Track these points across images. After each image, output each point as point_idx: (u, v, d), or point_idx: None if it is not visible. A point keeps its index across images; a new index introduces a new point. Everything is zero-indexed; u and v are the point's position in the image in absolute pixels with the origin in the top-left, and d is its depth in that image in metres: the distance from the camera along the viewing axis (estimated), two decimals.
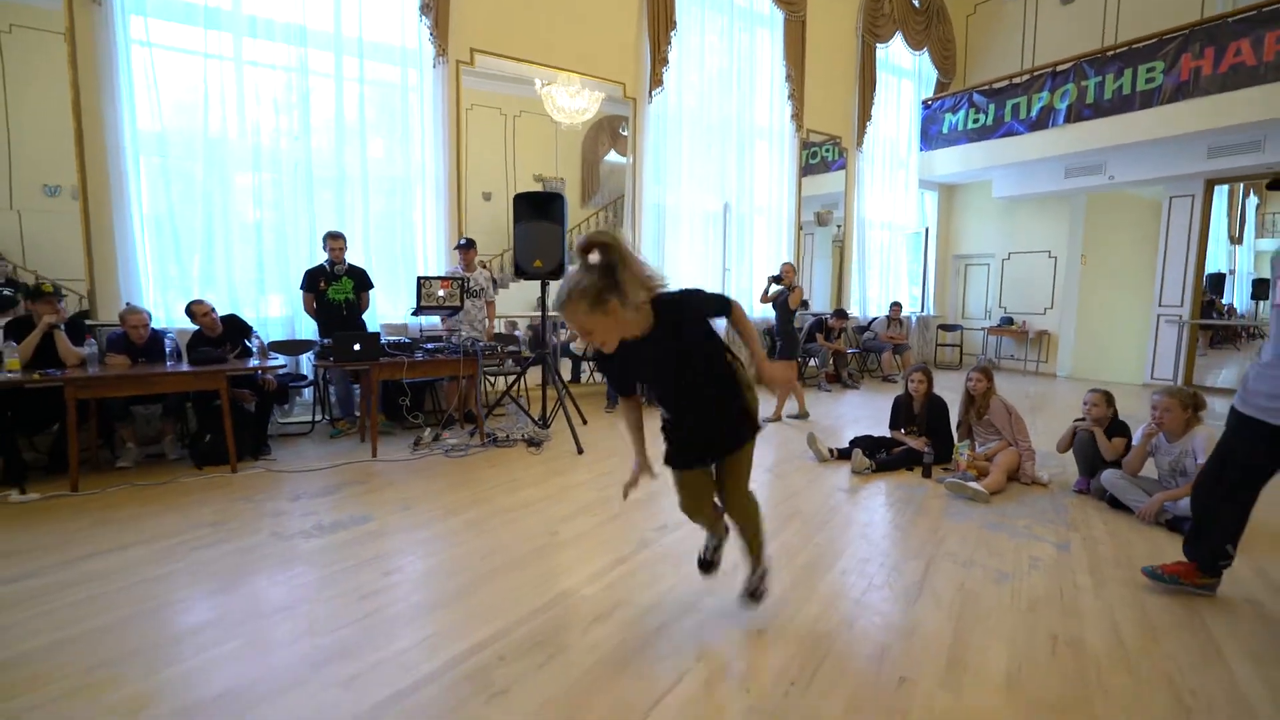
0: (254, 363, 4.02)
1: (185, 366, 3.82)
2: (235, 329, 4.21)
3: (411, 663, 1.88)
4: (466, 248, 5.03)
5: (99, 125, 4.18)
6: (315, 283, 4.66)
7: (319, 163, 4.91)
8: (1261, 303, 15.46)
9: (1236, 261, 15.23)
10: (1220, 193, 7.97)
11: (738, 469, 1.98)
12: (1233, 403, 2.25)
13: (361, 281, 4.82)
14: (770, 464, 4.20)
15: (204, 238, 4.61)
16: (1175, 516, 3.08)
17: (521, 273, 4.29)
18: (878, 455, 4.07)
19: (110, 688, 1.75)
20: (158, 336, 3.99)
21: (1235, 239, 14.12)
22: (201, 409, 4.04)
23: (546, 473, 3.91)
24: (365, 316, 4.91)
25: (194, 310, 4.02)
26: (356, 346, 3.95)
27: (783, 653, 1.96)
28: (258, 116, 4.69)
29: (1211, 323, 8.36)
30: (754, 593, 2.12)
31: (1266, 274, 15.90)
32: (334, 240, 4.63)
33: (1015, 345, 9.39)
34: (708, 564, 2.26)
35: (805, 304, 8.30)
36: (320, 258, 4.75)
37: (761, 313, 7.78)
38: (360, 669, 1.85)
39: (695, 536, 2.83)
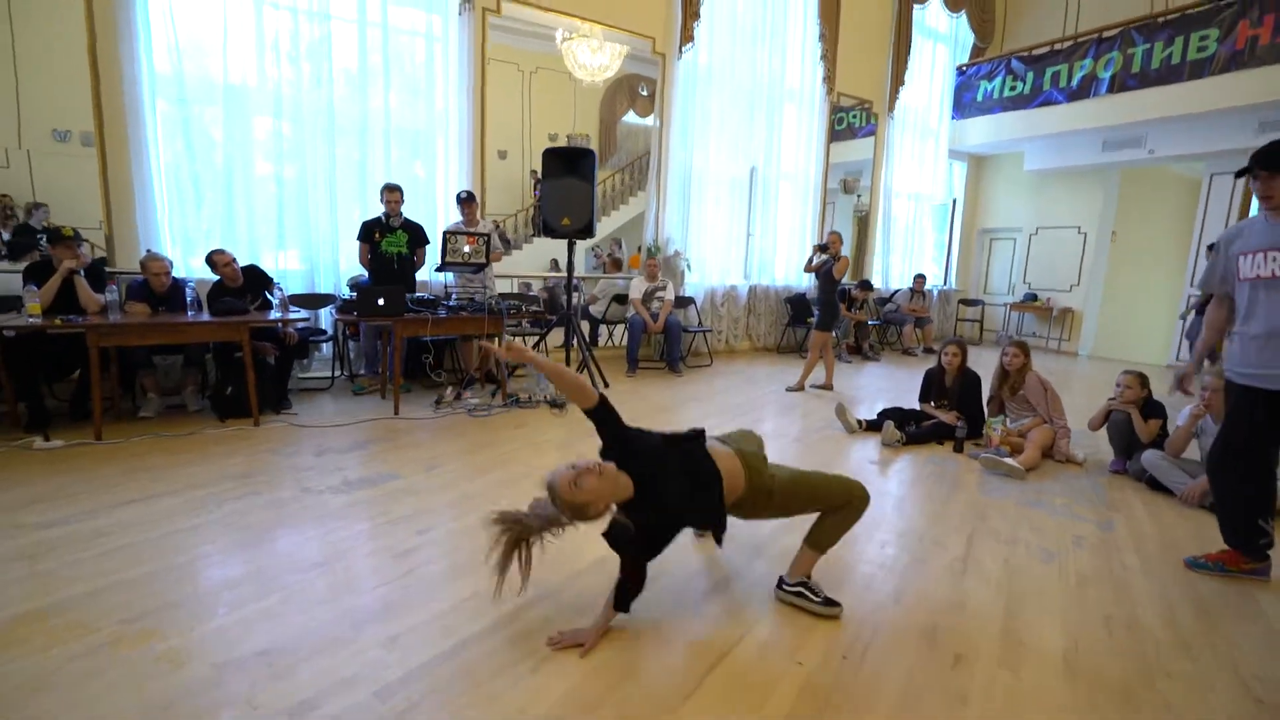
0: (275, 315, 3.94)
1: (206, 316, 3.74)
2: (256, 280, 4.13)
3: (454, 624, 1.84)
4: (468, 200, 4.82)
5: (116, 68, 4.02)
6: (370, 234, 4.58)
7: (340, 111, 4.75)
8: None
9: None
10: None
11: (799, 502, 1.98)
12: (1226, 377, 2.34)
13: (416, 236, 4.73)
14: (798, 433, 4.13)
15: (223, 187, 4.48)
16: None
17: (550, 230, 4.17)
18: (907, 428, 4.00)
19: (150, 640, 1.72)
20: (178, 286, 3.91)
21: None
22: (222, 360, 3.98)
23: (571, 435, 3.85)
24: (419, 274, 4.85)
25: (215, 260, 3.92)
26: (380, 301, 3.86)
27: (831, 625, 1.91)
28: (278, 62, 4.52)
29: None
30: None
31: None
32: (390, 192, 4.55)
33: (1038, 322, 9.23)
34: None
35: (867, 284, 8.13)
36: (347, 209, 4.64)
37: (792, 281, 7.66)
38: (401, 630, 1.81)
39: None
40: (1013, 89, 8.22)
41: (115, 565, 2.10)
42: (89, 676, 1.56)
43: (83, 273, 3.57)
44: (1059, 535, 2.67)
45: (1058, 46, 7.76)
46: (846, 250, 8.99)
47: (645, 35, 6.16)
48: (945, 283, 9.72)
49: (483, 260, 4.39)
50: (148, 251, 3.91)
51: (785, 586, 2.00)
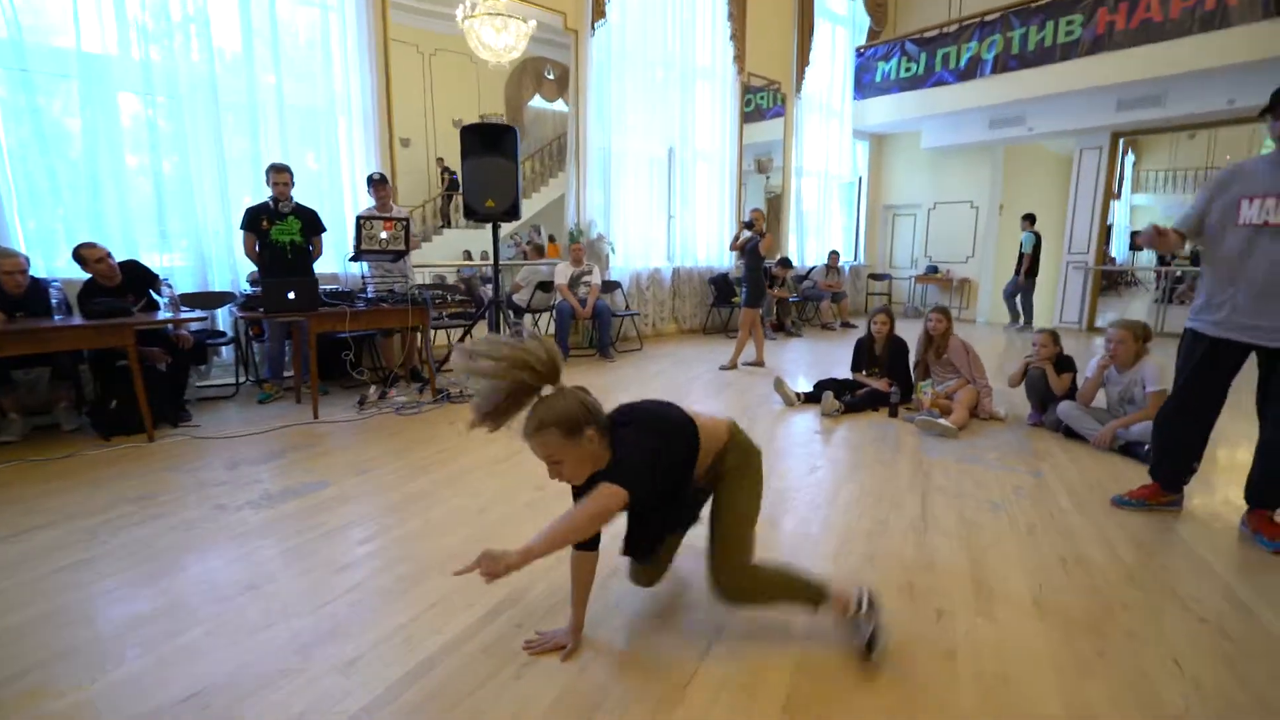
0: (164, 315, 3.48)
1: (78, 320, 3.24)
2: (138, 277, 3.62)
3: (418, 638, 1.67)
4: (381, 182, 4.45)
5: None
6: (257, 221, 4.07)
7: (225, 86, 4.24)
8: (1136, 254, 17.10)
9: (1116, 215, 16.67)
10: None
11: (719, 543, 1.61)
12: (1195, 329, 2.33)
13: (311, 223, 4.25)
14: (739, 410, 4.14)
15: (86, 175, 3.89)
16: (1128, 442, 3.26)
17: (472, 213, 3.92)
18: (843, 397, 4.10)
19: (39, 700, 1.43)
20: (40, 286, 3.36)
21: (1114, 194, 15.42)
22: (101, 371, 3.48)
23: (510, 427, 3.65)
24: (317, 265, 4.38)
25: (84, 255, 3.39)
26: (290, 295, 3.49)
27: None
28: (144, 30, 3.96)
29: (1113, 268, 9.03)
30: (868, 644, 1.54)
31: (1141, 227, 17.59)
32: (277, 174, 4.05)
33: (940, 293, 9.82)
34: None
35: (786, 261, 8.24)
36: (240, 197, 4.15)
37: (714, 262, 7.72)
38: (359, 650, 1.61)
39: None
40: (908, 70, 8.63)
41: None
42: None
43: None
44: (1000, 487, 2.80)
45: (946, 30, 8.21)
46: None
47: (557, 10, 5.94)
48: (855, 258, 10.15)
49: (402, 247, 4.08)
50: None
51: None
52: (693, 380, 5.04)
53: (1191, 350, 2.35)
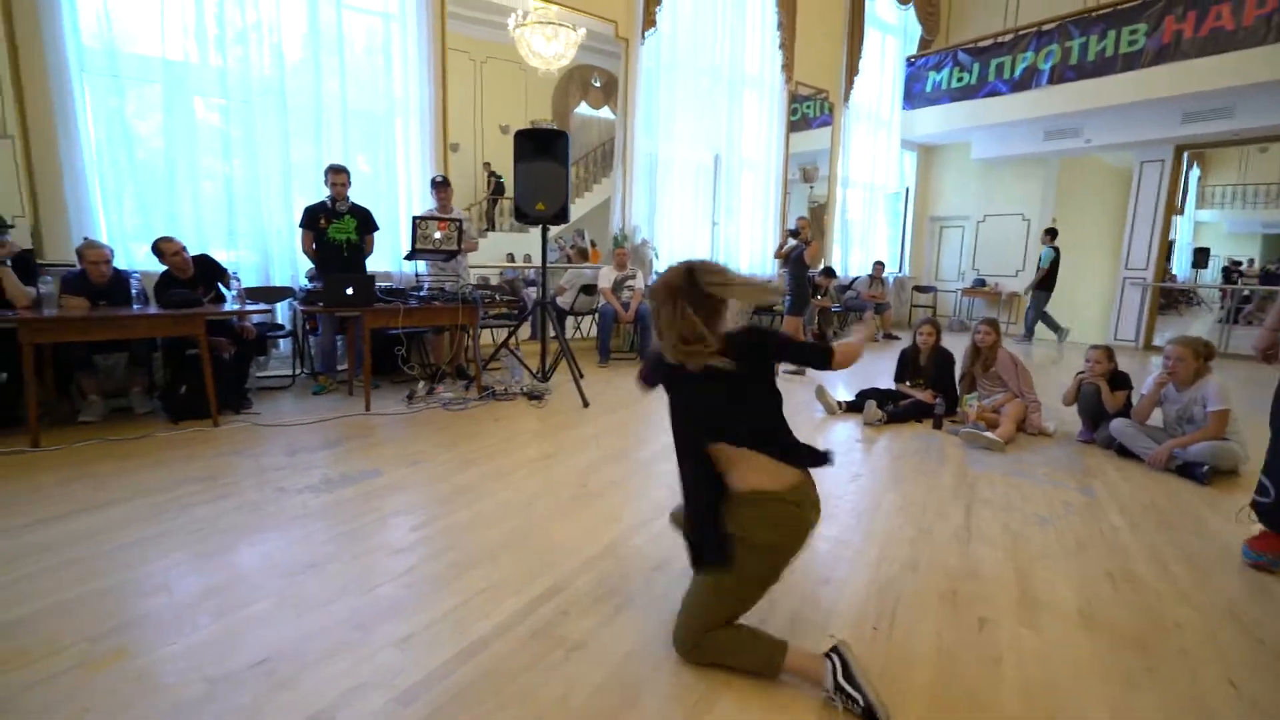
0: (234, 307, 3.67)
1: (154, 310, 3.45)
2: (209, 271, 3.84)
3: (468, 620, 1.73)
4: (443, 185, 4.63)
5: (36, 37, 3.66)
6: (315, 220, 4.27)
7: (293, 91, 4.47)
8: (1200, 271, 16.36)
9: (1178, 231, 16.02)
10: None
11: (688, 596, 1.59)
12: None
13: (365, 222, 4.44)
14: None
15: (165, 172, 4.15)
16: (1185, 462, 3.15)
17: (523, 216, 4.03)
18: (886, 407, 4.06)
19: (124, 658, 1.54)
20: (121, 277, 3.59)
21: (1178, 209, 14.81)
22: (173, 358, 3.69)
23: (554, 426, 3.75)
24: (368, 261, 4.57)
25: (162, 248, 3.62)
26: (349, 290, 3.65)
27: (854, 597, 1.90)
28: (221, 39, 4.21)
29: (1173, 285, 8.69)
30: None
31: (1205, 244, 16.81)
32: (336, 175, 4.25)
33: (987, 306, 9.59)
34: None
35: (830, 271, 8.22)
36: (303, 197, 4.37)
37: (757, 268, 7.71)
38: (413, 629, 1.69)
39: None
40: (960, 80, 8.49)
41: (66, 580, 1.89)
42: (59, 702, 1.39)
43: (9, 263, 3.23)
44: (1048, 501, 2.75)
45: (1001, 39, 8.05)
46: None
47: (608, 19, 6.05)
48: (900, 269, 9.99)
49: (455, 247, 4.21)
50: (85, 239, 3.57)
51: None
52: None
53: None
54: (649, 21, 6.12)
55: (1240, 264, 16.35)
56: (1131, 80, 6.94)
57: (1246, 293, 11.30)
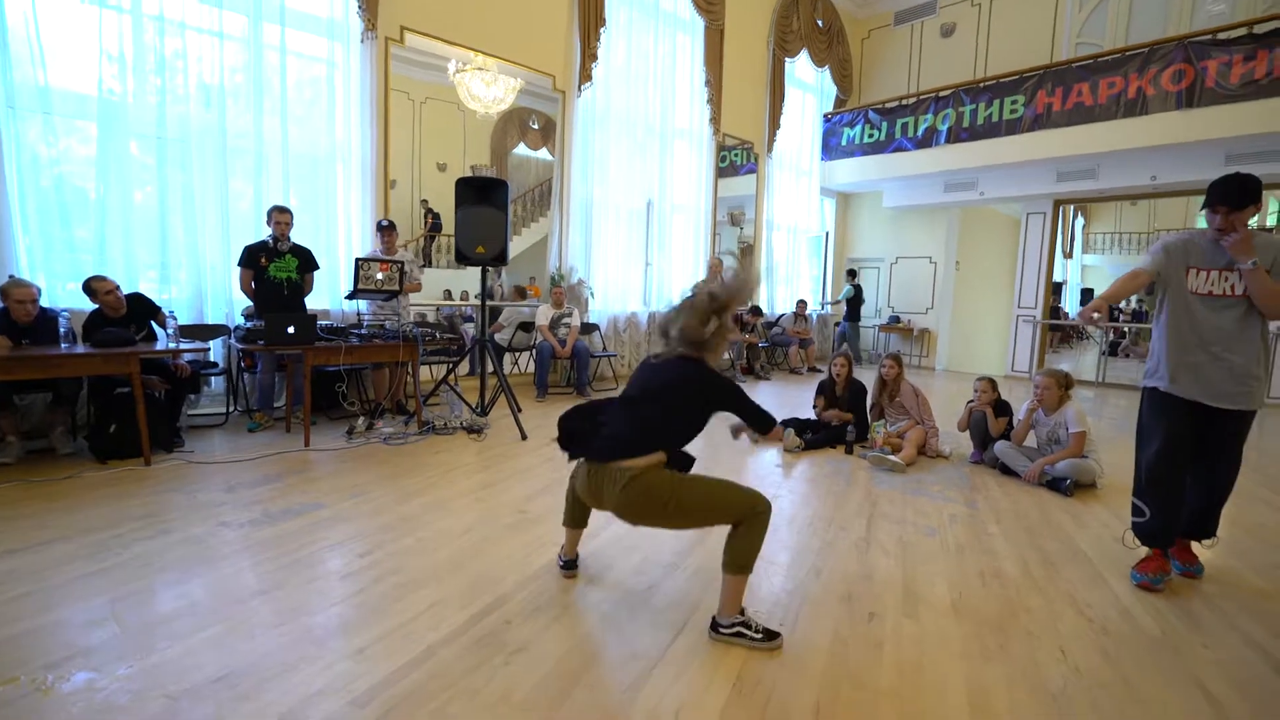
0: (169, 345, 3.68)
1: (82, 349, 3.42)
2: (142, 309, 3.83)
3: (417, 633, 1.89)
4: (389, 229, 4.80)
5: None
6: (255, 259, 4.33)
7: (233, 132, 4.54)
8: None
9: (1069, 273, 17.83)
10: (1062, 212, 9.28)
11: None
12: (1154, 386, 2.41)
13: (306, 261, 4.53)
14: (703, 444, 4.43)
15: (98, 209, 4.12)
16: (1054, 477, 3.63)
17: (464, 258, 4.24)
18: (804, 435, 4.43)
19: (76, 684, 1.62)
20: (47, 316, 3.54)
21: (1067, 253, 16.49)
22: (101, 397, 3.65)
23: (494, 458, 3.90)
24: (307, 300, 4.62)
25: (95, 286, 3.61)
26: (290, 329, 3.73)
27: (767, 601, 2.16)
28: (162, 78, 4.28)
29: (1058, 323, 9.68)
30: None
31: (1092, 285, 18.70)
32: (280, 214, 4.34)
33: (901, 341, 10.36)
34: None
35: (757, 310, 8.65)
36: (240, 235, 4.42)
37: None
38: (366, 641, 1.84)
39: None
40: (870, 136, 9.34)
41: (15, 614, 1.92)
42: None
43: None
44: (938, 515, 3.13)
45: (905, 102, 8.95)
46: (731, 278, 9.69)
47: (546, 73, 6.42)
48: (823, 308, 10.68)
49: (396, 288, 4.35)
50: (10, 277, 3.52)
51: (721, 629, 1.88)
52: None
53: (1155, 406, 2.43)
54: (585, 76, 6.53)
55: (1119, 304, 18.26)
56: (1014, 143, 7.86)
57: (1124, 330, 12.66)
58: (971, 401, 4.27)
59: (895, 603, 2.17)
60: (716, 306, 1.97)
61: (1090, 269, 18.82)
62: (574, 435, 2.10)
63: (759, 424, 2.08)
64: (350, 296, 4.36)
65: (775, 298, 9.58)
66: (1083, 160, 7.65)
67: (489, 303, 4.84)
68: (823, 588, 2.27)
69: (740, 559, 1.87)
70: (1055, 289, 13.28)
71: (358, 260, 4.23)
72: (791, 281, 9.90)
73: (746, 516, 1.87)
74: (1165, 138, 6.70)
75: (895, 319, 10.36)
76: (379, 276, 4.22)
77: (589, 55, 6.50)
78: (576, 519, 2.26)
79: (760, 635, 1.86)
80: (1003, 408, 4.20)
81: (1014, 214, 9.60)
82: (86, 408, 3.83)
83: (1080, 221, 18.18)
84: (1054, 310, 10.42)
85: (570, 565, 2.28)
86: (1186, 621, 2.13)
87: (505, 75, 6.09)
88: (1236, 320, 2.28)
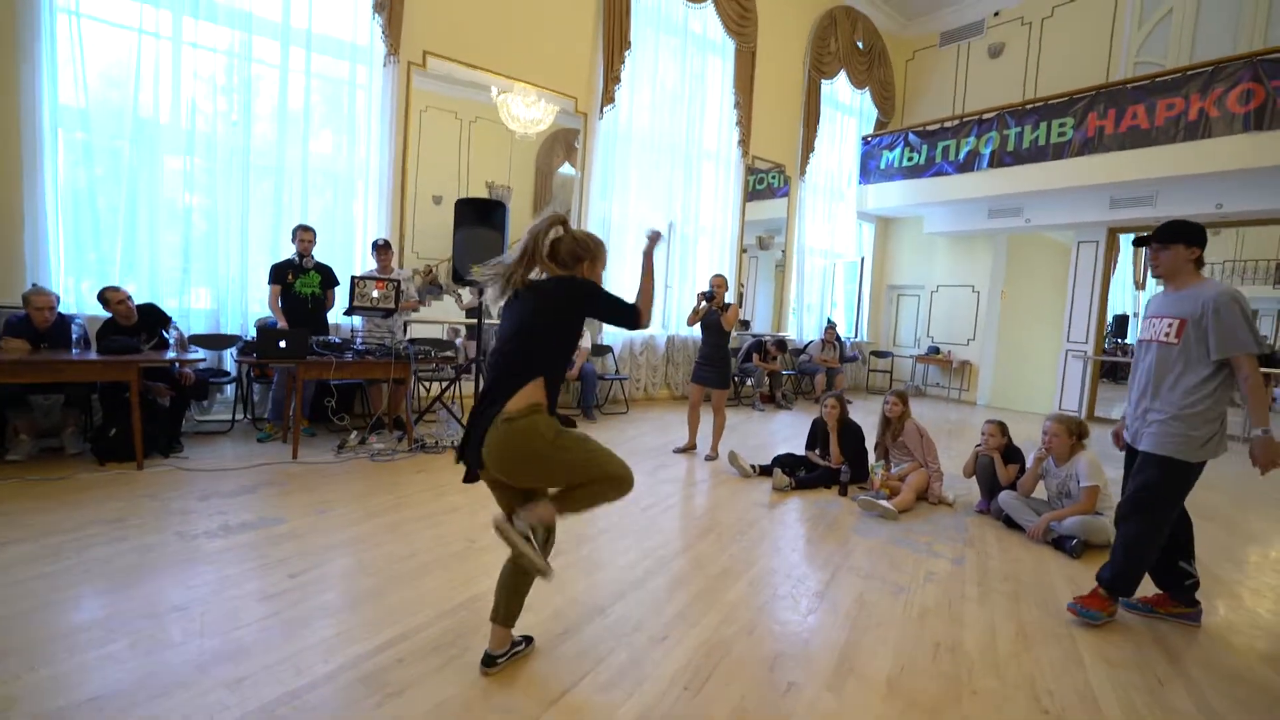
0: (171, 355, 3.85)
1: (93, 355, 3.62)
2: (152, 319, 4.03)
3: (306, 664, 1.86)
4: (384, 248, 4.83)
5: (15, 92, 3.95)
6: (283, 275, 4.58)
7: (257, 151, 4.77)
8: None
9: (1140, 305, 16.58)
10: (1126, 240, 8.66)
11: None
12: (1177, 457, 2.27)
13: (328, 278, 4.77)
14: (695, 478, 4.30)
15: (126, 221, 4.40)
16: (1060, 535, 3.31)
17: (460, 279, 4.28)
18: (797, 473, 4.22)
19: None
20: (63, 321, 3.77)
21: (1139, 284, 15.42)
22: (109, 401, 3.84)
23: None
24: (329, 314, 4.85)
25: (107, 296, 3.82)
26: (282, 344, 3.84)
27: (681, 658, 2.03)
28: (194, 99, 4.54)
29: (1111, 359, 9.02)
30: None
31: None
32: (304, 232, 4.59)
33: (940, 373, 9.88)
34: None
35: (745, 324, 8.53)
36: (259, 250, 4.64)
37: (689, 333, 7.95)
38: (250, 670, 1.81)
39: (606, 548, 2.89)
40: (910, 160, 9.02)
41: None
42: None
43: None
44: (914, 570, 2.90)
45: (947, 124, 8.61)
46: (768, 303, 9.47)
47: (568, 95, 6.49)
48: (857, 335, 10.31)
49: (391, 306, 4.44)
50: (33, 285, 3.78)
51: (515, 523, 1.79)
52: (666, 445, 5.20)
53: (1193, 480, 2.35)
54: (608, 98, 6.57)
55: None
56: (1062, 167, 7.42)
57: None
58: (979, 445, 3.97)
59: (823, 672, 1.99)
60: (555, 218, 1.90)
61: None
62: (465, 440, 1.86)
63: (625, 318, 1.93)
64: (348, 312, 4.47)
65: (805, 324, 9.32)
66: (1138, 186, 7.15)
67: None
68: (750, 648, 2.12)
69: (569, 503, 1.81)
70: (1119, 323, 12.41)
71: (353, 278, 4.35)
72: (823, 308, 9.61)
73: (614, 479, 1.79)
74: (1231, 163, 6.18)
75: (934, 349, 9.90)
76: (374, 294, 4.31)
77: (612, 78, 6.54)
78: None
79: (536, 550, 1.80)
80: (1013, 454, 3.89)
81: (1068, 241, 9.05)
82: (100, 411, 4.04)
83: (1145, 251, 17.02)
84: (1114, 345, 9.72)
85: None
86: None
87: (543, 98, 6.24)
88: None
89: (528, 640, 2.01)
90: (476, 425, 1.79)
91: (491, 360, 1.89)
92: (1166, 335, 2.32)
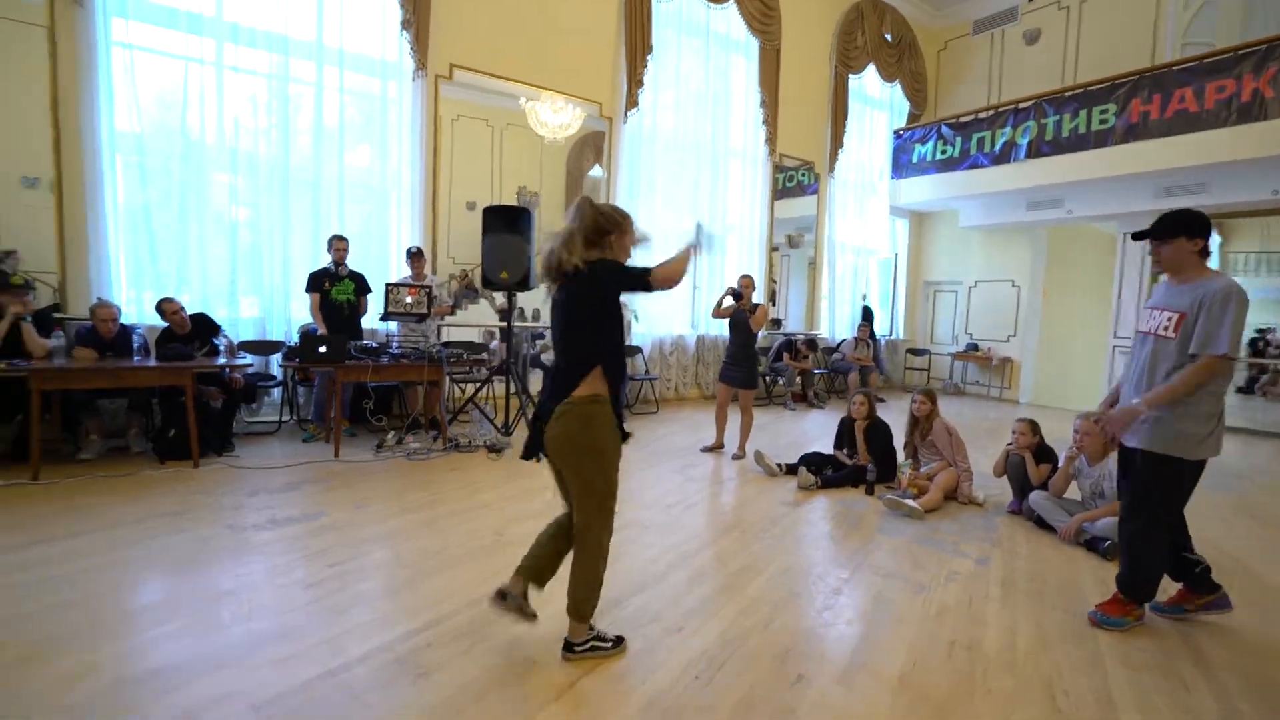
0: (221, 361, 4.10)
1: (152, 362, 3.89)
2: (204, 327, 4.30)
3: (344, 646, 1.99)
4: (417, 255, 5.03)
5: (76, 122, 4.27)
6: (320, 283, 4.81)
7: (296, 166, 5.03)
8: None
9: None
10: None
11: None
12: (1172, 454, 2.22)
13: (361, 285, 4.99)
14: (722, 477, 4.34)
15: (178, 237, 4.70)
16: (1093, 536, 3.25)
17: (489, 283, 4.43)
18: (824, 472, 4.22)
19: (55, 659, 1.85)
20: (126, 331, 4.07)
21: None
22: (167, 404, 4.11)
23: (504, 477, 4.02)
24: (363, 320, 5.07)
25: (164, 308, 4.11)
26: (322, 349, 4.05)
27: (695, 649, 2.09)
28: (236, 120, 4.81)
29: None
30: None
31: None
32: (339, 241, 4.82)
33: (979, 371, 9.65)
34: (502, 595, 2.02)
35: (777, 323, 8.50)
36: (300, 260, 4.88)
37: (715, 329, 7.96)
38: (294, 651, 1.96)
39: (629, 544, 2.97)
40: (943, 152, 8.84)
41: (30, 595, 2.23)
42: None
43: (29, 318, 3.72)
44: (937, 570, 2.89)
45: (981, 115, 8.41)
46: (801, 301, 9.41)
47: (593, 100, 6.61)
48: (892, 332, 10.16)
49: (424, 311, 4.62)
50: (98, 299, 4.08)
51: (575, 649, 1.97)
52: (694, 445, 5.25)
53: (1197, 477, 2.33)
54: (632, 102, 6.66)
55: (1269, 331, 15.95)
56: (1104, 156, 7.18)
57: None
58: (1010, 444, 3.92)
59: (834, 666, 2.03)
60: (583, 201, 1.98)
61: None
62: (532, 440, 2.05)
63: (639, 282, 1.95)
64: (383, 318, 4.67)
65: (837, 322, 9.23)
66: (1188, 174, 6.86)
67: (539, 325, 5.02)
68: (764, 641, 2.17)
69: (576, 604, 1.99)
70: None
71: (387, 285, 4.54)
72: (856, 305, 9.49)
73: (601, 527, 1.97)
74: None
75: (973, 346, 9.67)
76: (408, 300, 4.50)
77: (635, 82, 6.63)
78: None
79: (610, 644, 2.02)
80: (1045, 453, 3.82)
81: (1112, 231, 8.73)
82: (160, 413, 4.33)
83: (1217, 240, 16.20)
84: None
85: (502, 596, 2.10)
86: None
87: (570, 104, 6.39)
88: None
89: (618, 640, 2.06)
90: (545, 410, 1.99)
91: (554, 360, 2.05)
92: (1165, 329, 2.25)
